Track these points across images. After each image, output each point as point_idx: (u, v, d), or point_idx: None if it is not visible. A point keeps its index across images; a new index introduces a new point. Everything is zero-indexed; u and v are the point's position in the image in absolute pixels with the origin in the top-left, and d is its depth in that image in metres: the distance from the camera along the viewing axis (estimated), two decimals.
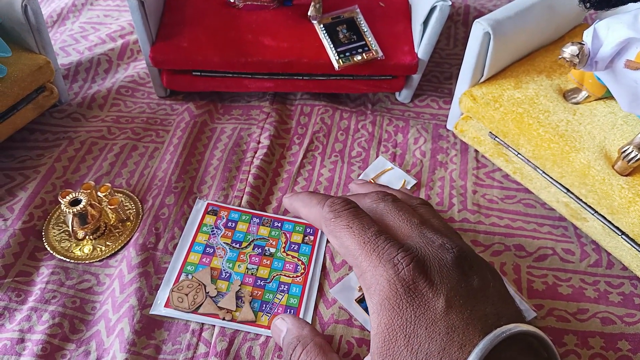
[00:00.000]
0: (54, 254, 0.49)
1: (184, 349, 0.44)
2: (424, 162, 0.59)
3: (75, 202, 0.48)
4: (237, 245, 0.51)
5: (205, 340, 0.45)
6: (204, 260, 0.49)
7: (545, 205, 0.55)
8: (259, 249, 0.50)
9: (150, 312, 0.46)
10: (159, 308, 0.46)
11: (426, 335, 0.26)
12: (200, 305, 0.46)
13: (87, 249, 0.50)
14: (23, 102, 0.57)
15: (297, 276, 0.49)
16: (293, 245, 0.51)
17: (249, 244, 0.51)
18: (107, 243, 0.50)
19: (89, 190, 0.51)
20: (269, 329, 0.45)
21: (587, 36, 0.46)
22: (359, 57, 0.58)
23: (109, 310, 0.46)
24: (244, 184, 0.56)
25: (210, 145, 0.60)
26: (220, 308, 0.46)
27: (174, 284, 0.47)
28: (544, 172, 0.51)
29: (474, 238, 0.52)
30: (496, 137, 0.54)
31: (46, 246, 0.50)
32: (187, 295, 0.46)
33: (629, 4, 0.44)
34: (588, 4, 0.45)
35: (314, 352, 0.35)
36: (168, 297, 0.46)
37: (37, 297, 0.46)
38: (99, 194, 0.52)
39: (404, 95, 0.65)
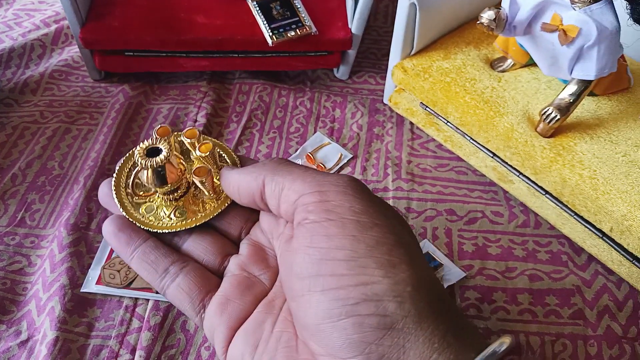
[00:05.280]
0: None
1: (117, 325, 0.44)
2: (360, 136, 0.60)
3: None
4: None
5: (138, 316, 0.44)
6: None
7: (476, 172, 0.56)
8: None
9: (81, 290, 0.45)
10: (90, 285, 0.45)
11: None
12: (132, 281, 0.46)
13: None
14: None
15: None
16: None
17: None
18: None
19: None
20: None
21: (505, 1, 0.47)
22: (293, 33, 0.59)
23: (40, 289, 0.45)
24: None
25: (146, 126, 0.59)
26: None
27: (105, 262, 0.47)
28: (471, 138, 0.52)
29: (408, 205, 0.53)
30: (427, 107, 0.55)
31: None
32: (119, 271, 0.46)
33: None
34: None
35: None
36: (99, 275, 0.46)
37: None
38: None
39: (341, 72, 0.66)
